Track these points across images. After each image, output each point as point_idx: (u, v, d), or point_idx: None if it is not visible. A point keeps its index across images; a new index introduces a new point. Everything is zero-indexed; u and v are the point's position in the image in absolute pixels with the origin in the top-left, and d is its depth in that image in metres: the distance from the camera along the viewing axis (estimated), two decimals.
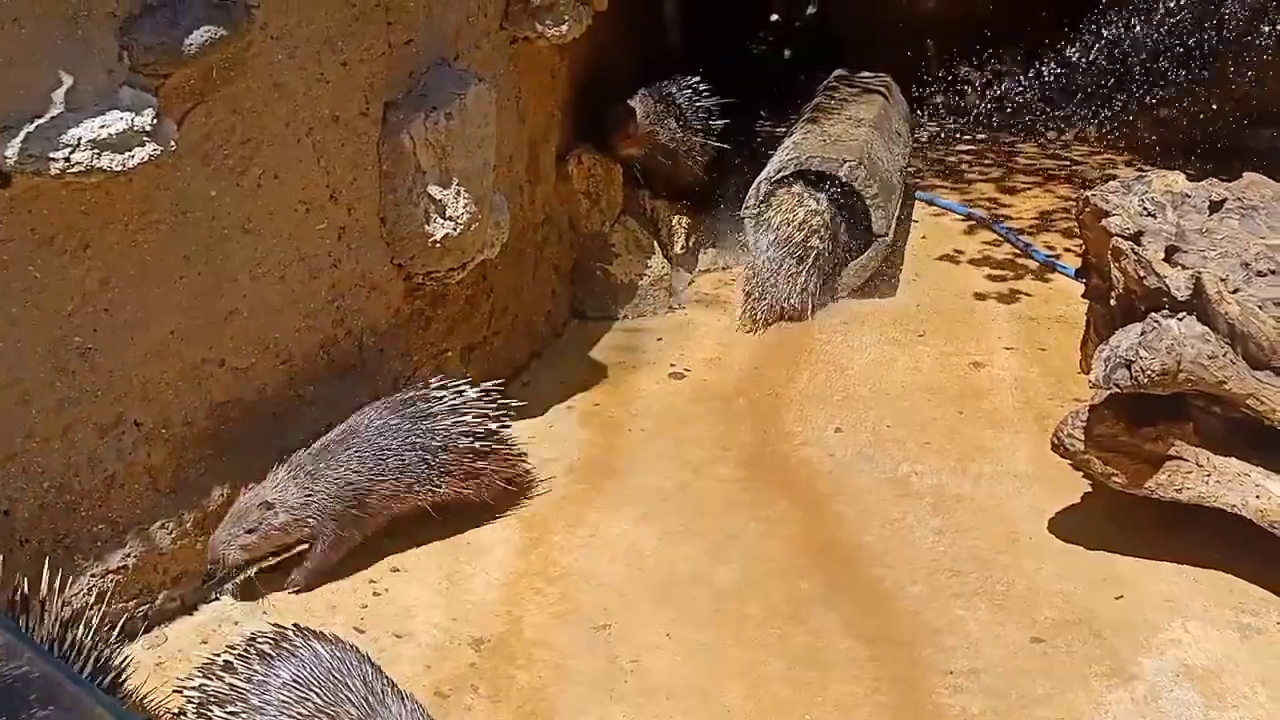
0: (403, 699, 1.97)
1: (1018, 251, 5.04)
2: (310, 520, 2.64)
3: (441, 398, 2.85)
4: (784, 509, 3.12)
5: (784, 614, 2.71)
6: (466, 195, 3.01)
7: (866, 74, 5.66)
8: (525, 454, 3.08)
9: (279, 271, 2.71)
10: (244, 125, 2.56)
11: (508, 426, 2.97)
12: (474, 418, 2.87)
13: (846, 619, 2.70)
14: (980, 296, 4.58)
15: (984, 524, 3.09)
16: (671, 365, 3.88)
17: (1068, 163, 6.16)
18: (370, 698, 1.92)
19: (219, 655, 2.09)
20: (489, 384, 2.96)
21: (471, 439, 2.84)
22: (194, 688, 2.05)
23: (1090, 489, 3.14)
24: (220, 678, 2.02)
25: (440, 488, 2.80)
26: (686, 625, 2.65)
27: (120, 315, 2.42)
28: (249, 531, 2.58)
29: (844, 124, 4.78)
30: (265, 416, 2.74)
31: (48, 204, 2.24)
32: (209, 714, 2.00)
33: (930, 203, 5.54)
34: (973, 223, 5.35)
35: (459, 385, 2.90)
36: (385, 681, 2.00)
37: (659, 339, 4.04)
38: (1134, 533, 2.97)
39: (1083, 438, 2.84)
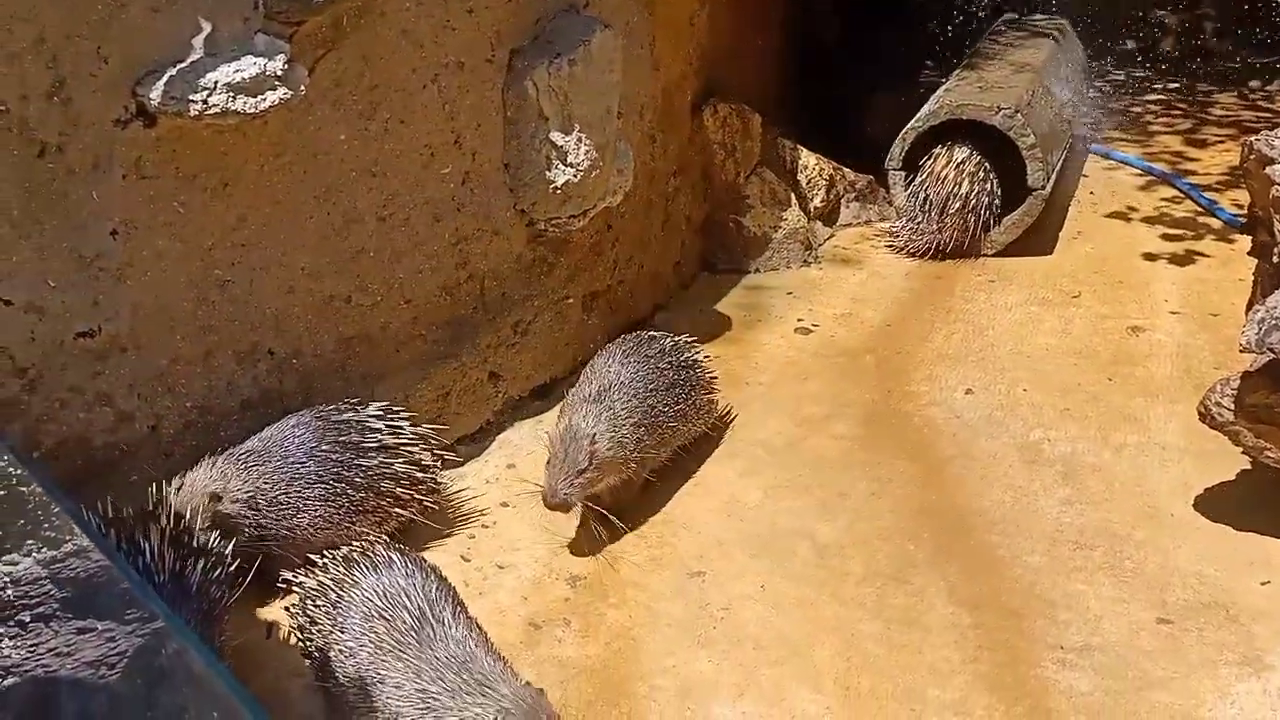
0: (464, 624, 2.05)
1: (1200, 210, 4.67)
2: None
3: (376, 432, 2.58)
4: (899, 469, 3.03)
5: (886, 574, 2.63)
6: (588, 142, 3.04)
7: (1039, 17, 5.33)
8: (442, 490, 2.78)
9: (403, 214, 2.82)
10: (372, 72, 2.67)
11: (436, 477, 2.69)
12: (403, 464, 2.59)
13: (952, 584, 2.60)
14: (1150, 257, 4.28)
15: (1120, 497, 2.90)
16: (799, 320, 3.81)
17: (1268, 114, 5.61)
18: (427, 610, 2.02)
19: (326, 558, 2.26)
20: (429, 427, 2.68)
21: (394, 483, 2.58)
22: (300, 585, 2.24)
23: (1249, 466, 2.89)
24: (317, 575, 2.20)
25: (355, 524, 2.53)
26: (783, 578, 2.62)
27: (256, 251, 2.58)
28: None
29: (1005, 70, 4.52)
30: (389, 351, 2.88)
31: (190, 144, 2.40)
32: (305, 605, 2.20)
33: (1105, 156, 5.20)
34: (1151, 178, 4.99)
35: (396, 423, 2.62)
36: (455, 605, 2.09)
37: (789, 293, 3.97)
38: None
39: (1233, 407, 2.61)
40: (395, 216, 2.80)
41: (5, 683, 1.99)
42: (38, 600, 1.78)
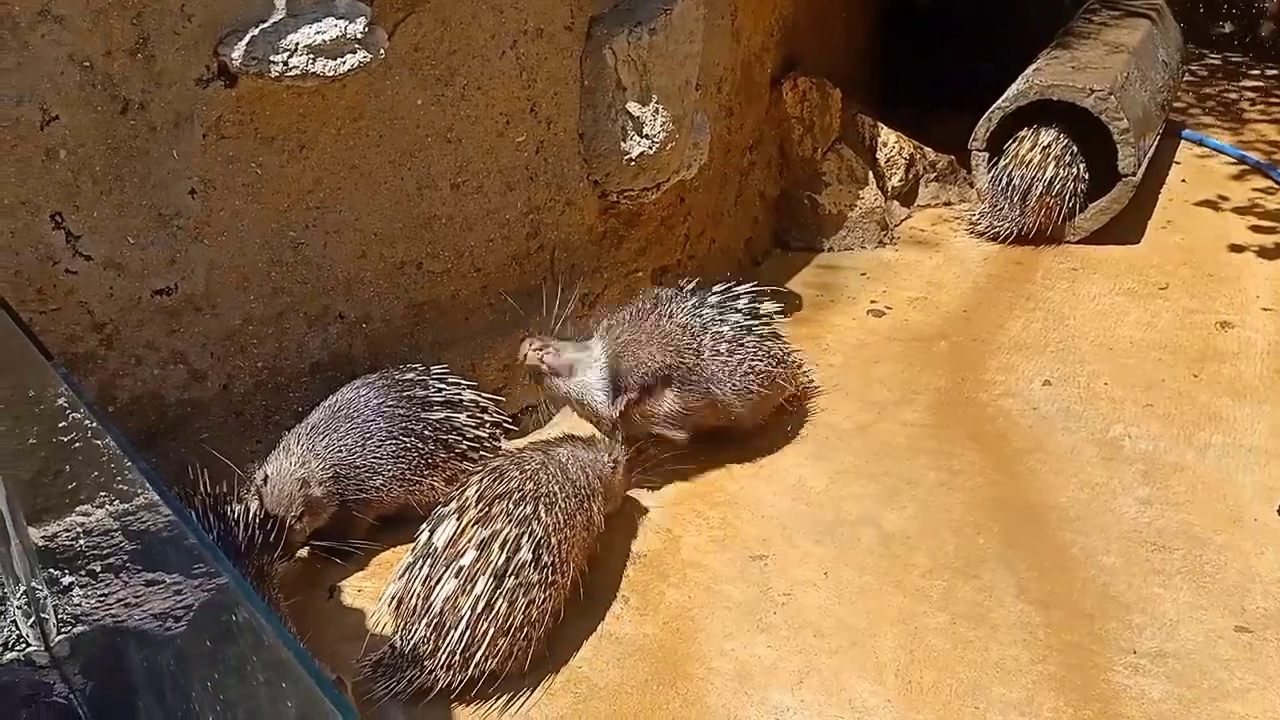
0: None
1: None
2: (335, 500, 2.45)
3: (440, 389, 2.61)
4: (971, 460, 2.95)
5: (954, 567, 2.57)
6: (665, 114, 2.98)
7: None
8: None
9: (477, 181, 2.80)
10: (451, 36, 2.64)
11: (498, 442, 2.67)
12: (468, 417, 2.61)
13: (1023, 581, 2.53)
14: (1242, 250, 4.11)
15: (1202, 499, 2.80)
16: (872, 302, 3.73)
17: None
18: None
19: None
20: (489, 395, 2.70)
21: (460, 436, 2.58)
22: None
23: None
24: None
25: (424, 479, 2.53)
26: (846, 566, 2.57)
27: (330, 214, 2.58)
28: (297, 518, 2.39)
29: (1098, 50, 4.35)
30: (458, 320, 2.87)
31: (269, 105, 2.41)
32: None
33: (1199, 143, 5.00)
34: (1245, 167, 4.78)
35: (458, 383, 2.65)
36: None
37: (863, 274, 3.89)
38: None
39: None
40: (469, 184, 2.79)
41: (75, 630, 2.04)
42: (109, 551, 1.81)
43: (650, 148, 2.98)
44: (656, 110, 2.97)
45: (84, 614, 1.97)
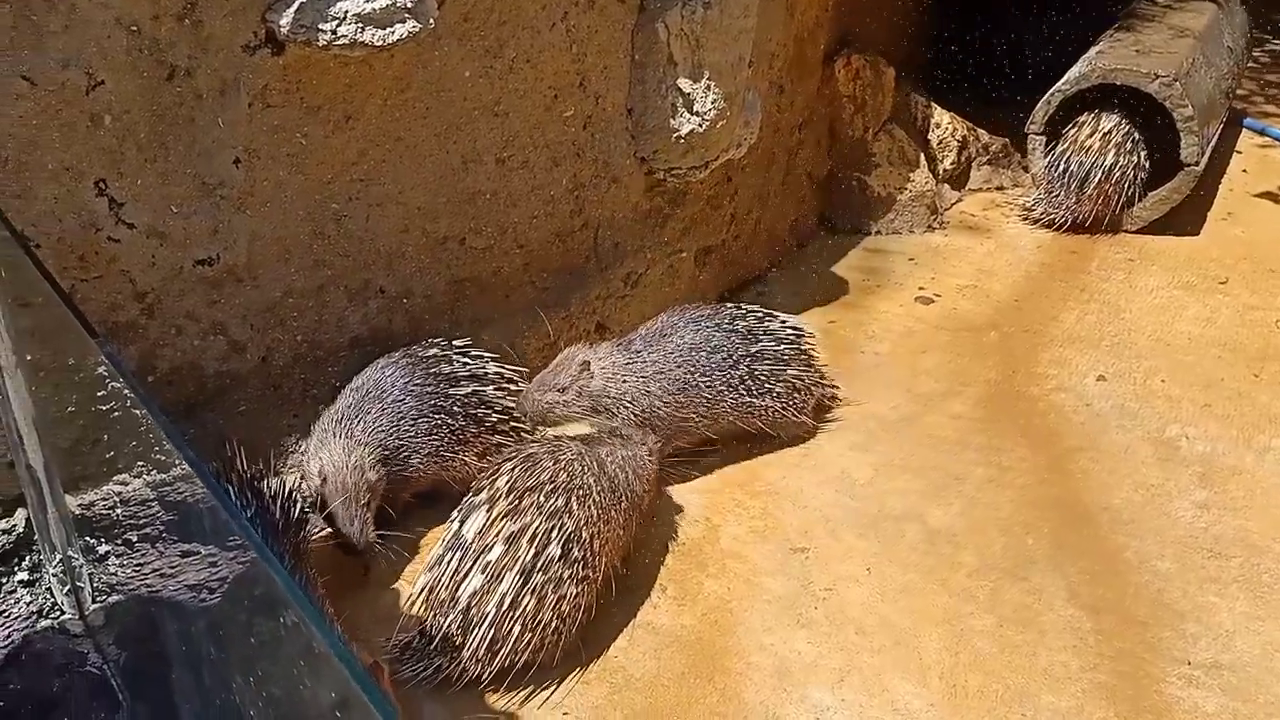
0: None
1: None
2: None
3: (465, 364, 2.57)
4: (1020, 456, 2.87)
5: (1001, 568, 2.50)
6: (716, 90, 2.90)
7: None
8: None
9: (523, 156, 2.74)
10: (502, 7, 2.57)
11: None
12: (495, 389, 2.57)
13: (1073, 584, 2.46)
14: None
15: (1261, 505, 2.71)
16: (920, 289, 3.64)
17: None
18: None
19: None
20: (514, 367, 2.65)
21: (489, 410, 2.56)
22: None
23: None
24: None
25: (456, 455, 2.50)
26: (890, 562, 2.51)
27: (374, 187, 2.53)
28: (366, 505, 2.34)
29: (1163, 33, 4.20)
30: (499, 297, 2.82)
31: (316, 74, 2.35)
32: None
33: (1260, 132, 4.84)
34: None
35: (481, 355, 2.61)
36: None
37: (911, 259, 3.79)
38: None
39: None
40: (514, 159, 2.72)
41: (110, 599, 2.02)
42: (145, 521, 1.79)
43: (700, 125, 2.91)
44: (708, 87, 2.89)
45: (119, 583, 1.95)
